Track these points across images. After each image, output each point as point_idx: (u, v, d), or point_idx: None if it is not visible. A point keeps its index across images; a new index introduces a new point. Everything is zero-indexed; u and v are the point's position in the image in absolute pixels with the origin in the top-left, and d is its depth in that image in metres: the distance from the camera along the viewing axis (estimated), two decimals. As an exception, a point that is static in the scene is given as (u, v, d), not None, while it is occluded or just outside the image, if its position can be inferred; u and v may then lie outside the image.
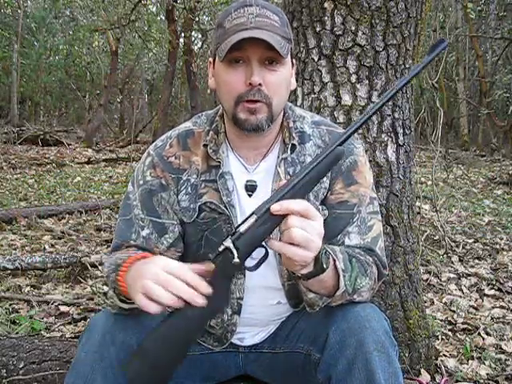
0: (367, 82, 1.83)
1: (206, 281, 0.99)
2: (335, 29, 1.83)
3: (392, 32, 1.83)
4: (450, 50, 12.31)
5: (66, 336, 2.33)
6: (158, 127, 12.12)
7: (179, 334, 1.00)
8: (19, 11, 16.22)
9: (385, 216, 1.86)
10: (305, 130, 1.29)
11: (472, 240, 4.16)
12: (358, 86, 1.83)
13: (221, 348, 1.33)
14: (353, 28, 1.82)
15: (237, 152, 1.28)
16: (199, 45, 16.84)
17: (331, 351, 1.11)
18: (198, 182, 1.26)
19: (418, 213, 4.04)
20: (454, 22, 12.30)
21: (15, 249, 3.79)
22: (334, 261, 1.10)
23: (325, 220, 1.24)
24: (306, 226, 0.98)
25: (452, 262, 3.56)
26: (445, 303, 2.82)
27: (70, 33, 18.41)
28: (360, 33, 1.82)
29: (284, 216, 0.99)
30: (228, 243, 1.02)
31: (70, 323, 2.51)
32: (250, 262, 1.04)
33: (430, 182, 6.26)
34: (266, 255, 1.05)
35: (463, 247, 3.91)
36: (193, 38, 14.80)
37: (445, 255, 3.65)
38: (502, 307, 2.80)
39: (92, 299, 2.77)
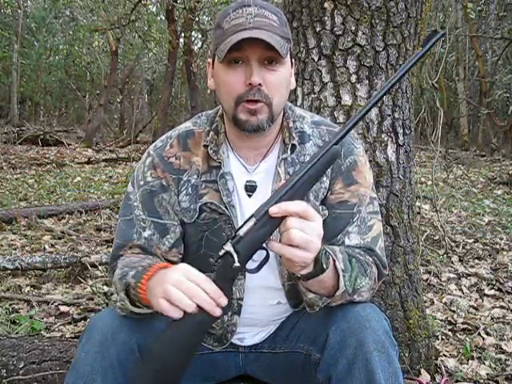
0: (367, 82, 1.83)
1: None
2: (335, 29, 1.83)
3: (392, 32, 1.83)
4: (450, 49, 12.31)
5: (66, 336, 2.33)
6: (157, 127, 12.12)
7: (186, 337, 1.01)
8: (19, 11, 16.22)
9: (385, 216, 1.86)
10: (305, 130, 1.29)
11: (472, 240, 4.16)
12: (358, 85, 1.83)
13: (221, 348, 1.33)
14: (353, 28, 1.82)
15: (237, 152, 1.28)
16: (199, 45, 16.84)
17: (331, 351, 1.11)
18: (199, 182, 1.26)
19: (418, 213, 4.04)
20: (454, 22, 12.29)
21: (15, 249, 3.79)
22: (334, 261, 1.10)
23: (325, 220, 1.24)
24: (305, 228, 0.98)
25: (452, 262, 3.56)
26: (445, 303, 2.82)
27: (70, 33, 18.41)
28: (360, 33, 1.82)
29: (283, 218, 0.99)
30: (228, 247, 1.02)
31: (70, 323, 2.51)
32: (251, 265, 1.04)
33: (430, 182, 6.26)
34: (267, 257, 1.05)
35: (463, 247, 3.91)
36: (193, 38, 14.80)
37: (445, 255, 3.65)
38: (502, 307, 2.80)
39: (92, 299, 2.77)
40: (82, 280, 3.07)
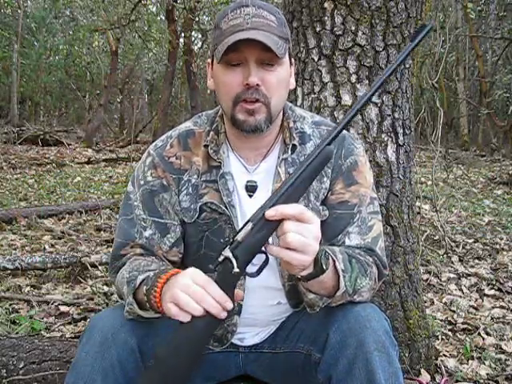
0: (367, 82, 1.83)
1: None
2: (335, 29, 1.83)
3: (392, 32, 1.83)
4: (450, 49, 12.31)
5: (66, 336, 2.33)
6: (157, 127, 12.12)
7: (193, 341, 1.01)
8: (19, 11, 16.21)
9: (385, 216, 1.86)
10: (305, 131, 1.29)
11: (472, 240, 4.16)
12: (358, 86, 1.83)
13: (221, 348, 1.33)
14: (353, 28, 1.82)
15: (237, 152, 1.28)
16: (199, 45, 16.84)
17: (331, 351, 1.11)
18: (199, 182, 1.26)
19: (418, 213, 4.04)
20: (454, 22, 12.29)
21: (15, 249, 3.78)
22: (334, 261, 1.10)
23: (325, 220, 1.25)
24: (301, 230, 0.98)
25: (452, 262, 3.56)
26: (445, 303, 2.82)
27: (70, 33, 18.41)
28: (360, 33, 1.82)
29: (280, 221, 0.99)
30: (227, 253, 1.02)
31: (70, 323, 2.51)
32: (251, 269, 1.04)
33: (430, 182, 6.26)
34: (267, 261, 1.05)
35: (463, 247, 3.91)
36: (193, 38, 14.80)
37: (445, 255, 3.65)
38: (502, 307, 2.80)
39: (92, 299, 2.77)
40: (82, 280, 3.07)
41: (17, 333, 2.29)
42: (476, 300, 2.91)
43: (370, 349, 1.06)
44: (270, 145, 1.27)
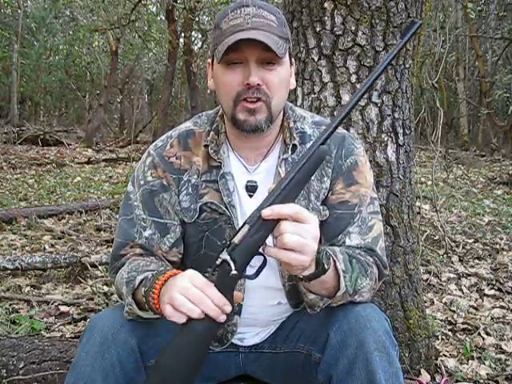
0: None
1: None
2: (335, 29, 1.83)
3: (392, 32, 1.83)
4: (450, 49, 12.31)
5: (66, 336, 2.33)
6: (157, 127, 12.12)
7: (193, 345, 1.01)
8: (19, 11, 16.21)
9: (385, 216, 1.86)
10: (305, 131, 1.29)
11: (472, 240, 4.16)
12: (358, 85, 1.83)
13: (221, 348, 1.33)
14: (353, 28, 1.82)
15: (237, 152, 1.28)
16: (199, 45, 16.84)
17: (332, 351, 1.11)
18: (199, 182, 1.26)
19: (418, 213, 4.04)
20: (454, 22, 12.29)
21: (15, 249, 3.78)
22: (334, 262, 1.10)
23: (326, 220, 1.25)
24: (299, 231, 0.98)
25: (452, 262, 3.56)
26: (445, 303, 2.82)
27: (70, 33, 18.40)
28: (360, 33, 1.82)
29: (277, 221, 0.99)
30: (224, 256, 1.02)
31: (70, 323, 2.51)
32: (249, 270, 1.04)
33: (430, 182, 6.26)
34: (265, 262, 1.05)
35: (463, 247, 3.91)
36: (193, 38, 14.80)
37: (445, 255, 3.65)
38: (502, 307, 2.80)
39: (92, 299, 2.77)
40: (82, 280, 3.07)
41: (17, 333, 2.29)
42: (476, 300, 2.91)
43: (370, 349, 1.06)
44: (270, 145, 1.27)
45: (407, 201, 1.93)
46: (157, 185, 1.27)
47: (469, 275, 3.29)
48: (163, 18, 12.82)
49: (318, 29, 1.85)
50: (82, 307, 2.67)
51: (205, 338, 1.03)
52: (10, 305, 2.67)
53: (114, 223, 4.44)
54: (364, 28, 1.81)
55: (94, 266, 3.16)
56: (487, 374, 2.07)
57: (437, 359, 2.09)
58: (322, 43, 1.84)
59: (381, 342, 1.08)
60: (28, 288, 2.99)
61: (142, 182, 1.28)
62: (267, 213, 0.98)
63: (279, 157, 1.26)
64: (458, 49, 14.03)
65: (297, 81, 1.85)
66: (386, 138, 1.87)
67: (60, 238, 4.12)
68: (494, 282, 3.16)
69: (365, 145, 1.82)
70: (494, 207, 5.82)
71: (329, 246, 1.17)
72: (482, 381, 2.03)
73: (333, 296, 1.12)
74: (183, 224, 1.28)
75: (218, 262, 1.03)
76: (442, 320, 2.58)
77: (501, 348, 2.31)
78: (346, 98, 1.84)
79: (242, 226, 1.02)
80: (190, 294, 0.99)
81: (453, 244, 3.91)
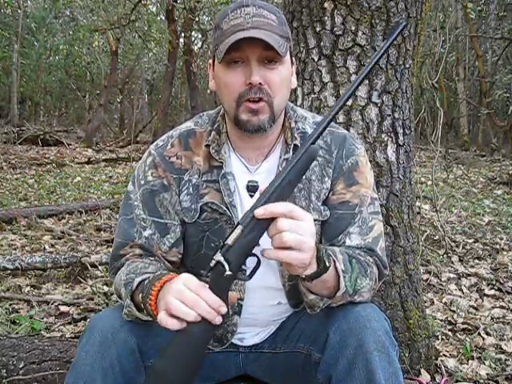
0: (367, 81, 1.83)
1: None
2: (335, 29, 1.82)
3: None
4: (450, 49, 12.31)
5: (66, 336, 2.33)
6: (158, 127, 12.12)
7: (189, 350, 1.01)
8: (19, 11, 16.21)
9: (385, 216, 1.85)
10: (306, 131, 1.29)
11: (472, 240, 4.16)
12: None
13: (221, 348, 1.33)
14: (353, 28, 1.82)
15: (238, 152, 1.28)
16: (199, 45, 16.84)
17: (331, 351, 1.11)
18: (200, 182, 1.26)
19: (418, 213, 4.04)
20: (454, 22, 12.29)
21: (15, 249, 3.78)
22: (334, 262, 1.10)
23: (326, 220, 1.25)
24: (295, 228, 0.98)
25: (452, 262, 3.56)
26: (445, 303, 2.82)
27: (70, 33, 18.40)
28: (360, 33, 1.82)
29: (270, 221, 0.99)
30: (218, 257, 1.02)
31: (70, 323, 2.51)
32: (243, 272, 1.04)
33: (430, 182, 6.26)
34: (259, 263, 1.05)
35: (463, 247, 3.91)
36: (193, 38, 14.80)
37: (445, 255, 3.65)
38: (502, 307, 2.80)
39: (92, 299, 2.77)
40: (82, 280, 3.07)
41: (17, 333, 2.29)
42: (476, 300, 2.91)
43: (369, 349, 1.06)
44: (271, 145, 1.27)
45: (407, 201, 1.93)
46: (157, 184, 1.27)
47: (469, 275, 3.29)
48: (163, 18, 12.82)
49: (318, 29, 1.85)
50: (82, 307, 2.67)
51: (202, 341, 1.02)
52: (10, 305, 2.67)
53: (114, 223, 4.44)
54: (364, 28, 1.81)
55: (94, 265, 3.16)
56: (487, 374, 2.07)
57: (437, 359, 2.09)
58: (321, 43, 1.84)
59: (380, 342, 1.07)
60: (28, 288, 2.99)
61: (142, 182, 1.28)
62: (260, 212, 0.98)
63: (280, 157, 1.26)
64: (458, 49, 14.02)
65: (297, 81, 1.85)
66: (386, 138, 1.87)
67: (60, 238, 4.12)
68: (493, 282, 3.16)
69: (365, 145, 1.82)
70: (493, 207, 5.82)
71: (329, 247, 1.17)
72: (481, 381, 2.03)
73: (333, 296, 1.12)
74: (183, 224, 1.28)
75: (211, 264, 1.03)
76: (441, 320, 2.58)
77: (501, 348, 2.31)
78: (346, 98, 1.83)
79: (236, 227, 1.02)
80: (184, 297, 0.99)
81: (453, 244, 3.91)
